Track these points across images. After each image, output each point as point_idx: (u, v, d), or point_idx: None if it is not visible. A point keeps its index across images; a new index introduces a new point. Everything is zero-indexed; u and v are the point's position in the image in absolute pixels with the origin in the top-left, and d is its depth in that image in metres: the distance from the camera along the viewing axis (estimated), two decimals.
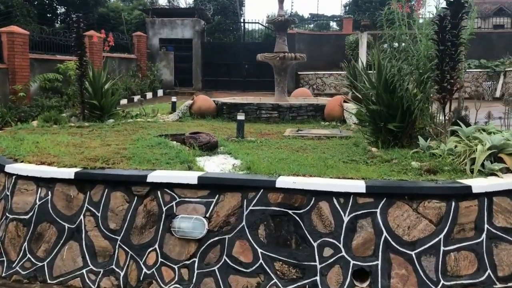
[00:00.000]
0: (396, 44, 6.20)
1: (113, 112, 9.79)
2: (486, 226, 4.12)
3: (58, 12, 28.66)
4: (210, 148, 6.09)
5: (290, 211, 4.25)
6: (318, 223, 4.19)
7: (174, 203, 4.50)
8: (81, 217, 4.72)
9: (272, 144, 6.79)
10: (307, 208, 4.23)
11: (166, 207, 4.51)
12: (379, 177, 4.46)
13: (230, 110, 10.39)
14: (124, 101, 16.99)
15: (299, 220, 4.23)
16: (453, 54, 5.29)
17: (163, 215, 4.51)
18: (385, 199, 4.13)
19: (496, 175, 4.43)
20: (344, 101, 9.78)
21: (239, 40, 26.49)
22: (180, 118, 10.41)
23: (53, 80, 13.68)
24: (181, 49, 23.00)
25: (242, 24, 26.70)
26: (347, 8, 34.88)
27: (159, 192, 4.56)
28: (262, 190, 4.34)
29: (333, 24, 36.17)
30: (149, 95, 19.96)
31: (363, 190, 4.14)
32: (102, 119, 9.30)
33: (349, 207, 4.16)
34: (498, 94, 19.20)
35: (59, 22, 28.05)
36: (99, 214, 4.68)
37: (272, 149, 6.34)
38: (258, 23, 25.44)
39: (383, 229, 4.09)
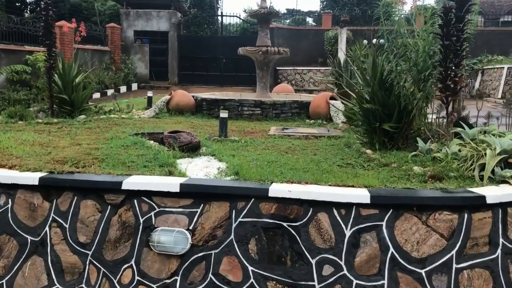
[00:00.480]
0: (383, 42, 5.78)
1: (84, 108, 9.19)
2: (501, 240, 3.73)
3: (28, 1, 27.65)
4: (192, 149, 5.57)
5: (284, 224, 3.78)
6: (317, 237, 3.73)
7: (152, 213, 3.98)
8: (47, 228, 4.16)
9: (258, 144, 6.31)
10: (304, 220, 3.76)
11: (143, 218, 3.99)
12: (382, 185, 4.03)
13: (210, 107, 9.86)
14: (97, 95, 16.31)
15: (295, 233, 3.76)
16: (458, 49, 4.89)
17: (140, 227, 3.98)
18: (391, 210, 3.70)
19: (507, 182, 4.06)
20: (331, 98, 9.35)
21: (216, 34, 25.91)
22: (156, 114, 9.82)
23: (21, 72, 13.00)
24: (157, 42, 22.37)
25: (220, 17, 26.11)
26: (325, 3, 34.56)
27: (135, 201, 4.03)
28: (253, 200, 3.86)
29: (310, 20, 35.82)
30: (123, 89, 19.29)
31: (368, 201, 3.69)
32: (73, 115, 8.70)
33: (351, 220, 3.71)
34: (475, 92, 19.21)
35: (28, 12, 27.06)
36: (67, 226, 4.12)
37: (258, 150, 5.86)
38: (236, 16, 24.92)
39: (390, 244, 3.65)
